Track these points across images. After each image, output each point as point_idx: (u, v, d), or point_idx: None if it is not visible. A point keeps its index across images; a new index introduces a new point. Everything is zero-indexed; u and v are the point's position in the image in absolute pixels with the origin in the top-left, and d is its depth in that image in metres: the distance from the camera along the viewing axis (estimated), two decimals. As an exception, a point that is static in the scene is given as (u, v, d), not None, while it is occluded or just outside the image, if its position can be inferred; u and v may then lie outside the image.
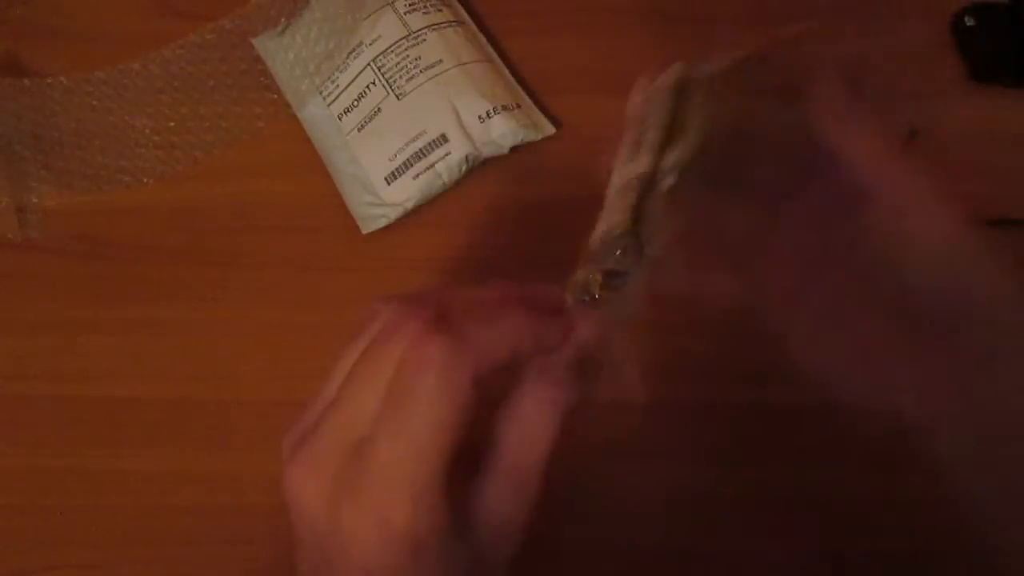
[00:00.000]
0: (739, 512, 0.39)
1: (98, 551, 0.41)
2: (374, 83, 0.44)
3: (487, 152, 0.44)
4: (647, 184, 0.28)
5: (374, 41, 0.45)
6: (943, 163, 0.45)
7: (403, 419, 0.22)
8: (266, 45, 0.48)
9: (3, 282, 0.46)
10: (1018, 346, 0.27)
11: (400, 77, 0.44)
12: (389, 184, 0.44)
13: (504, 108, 0.44)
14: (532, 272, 0.44)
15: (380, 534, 0.22)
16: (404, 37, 0.45)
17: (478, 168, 0.45)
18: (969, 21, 0.46)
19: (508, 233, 0.45)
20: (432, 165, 0.43)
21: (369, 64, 0.45)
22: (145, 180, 0.47)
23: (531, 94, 0.47)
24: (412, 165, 0.44)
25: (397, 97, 0.44)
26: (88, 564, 0.41)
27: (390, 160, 0.44)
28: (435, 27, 0.45)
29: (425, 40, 0.45)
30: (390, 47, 0.45)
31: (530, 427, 0.25)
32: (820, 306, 0.31)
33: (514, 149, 0.45)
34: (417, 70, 0.44)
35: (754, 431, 0.40)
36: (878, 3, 0.48)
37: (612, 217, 0.28)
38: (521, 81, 0.47)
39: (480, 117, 0.43)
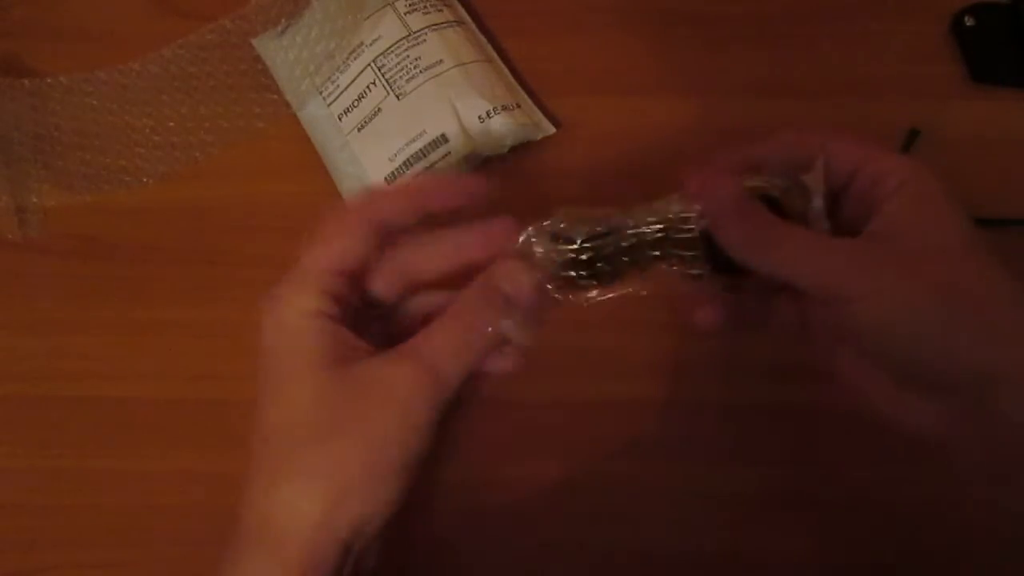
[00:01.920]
0: (741, 512, 0.39)
1: (98, 551, 0.41)
2: (374, 83, 0.44)
3: (487, 152, 0.44)
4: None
5: (374, 41, 0.45)
6: (943, 163, 0.45)
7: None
8: (266, 45, 0.48)
9: (3, 282, 0.46)
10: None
11: (400, 77, 0.44)
12: (389, 184, 0.44)
13: (504, 108, 0.44)
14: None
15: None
16: (404, 37, 0.45)
17: (478, 168, 0.45)
18: (969, 21, 0.46)
19: None
20: (432, 165, 0.44)
21: (369, 64, 0.45)
22: (145, 180, 0.47)
23: (531, 94, 0.47)
24: (412, 165, 0.44)
25: (397, 97, 0.44)
26: (88, 564, 0.41)
27: (390, 160, 0.44)
28: (435, 27, 0.45)
29: (425, 40, 0.45)
30: (390, 47, 0.44)
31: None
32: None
33: (514, 149, 0.45)
34: (417, 70, 0.44)
35: (755, 431, 0.40)
36: (878, 3, 0.48)
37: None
38: (521, 81, 0.47)
39: (480, 117, 0.43)
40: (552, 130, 0.46)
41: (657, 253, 0.31)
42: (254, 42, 0.48)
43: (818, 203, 0.30)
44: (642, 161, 0.45)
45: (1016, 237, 0.42)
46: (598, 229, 0.31)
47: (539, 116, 0.46)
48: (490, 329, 0.30)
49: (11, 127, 0.48)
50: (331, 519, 0.28)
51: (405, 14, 0.45)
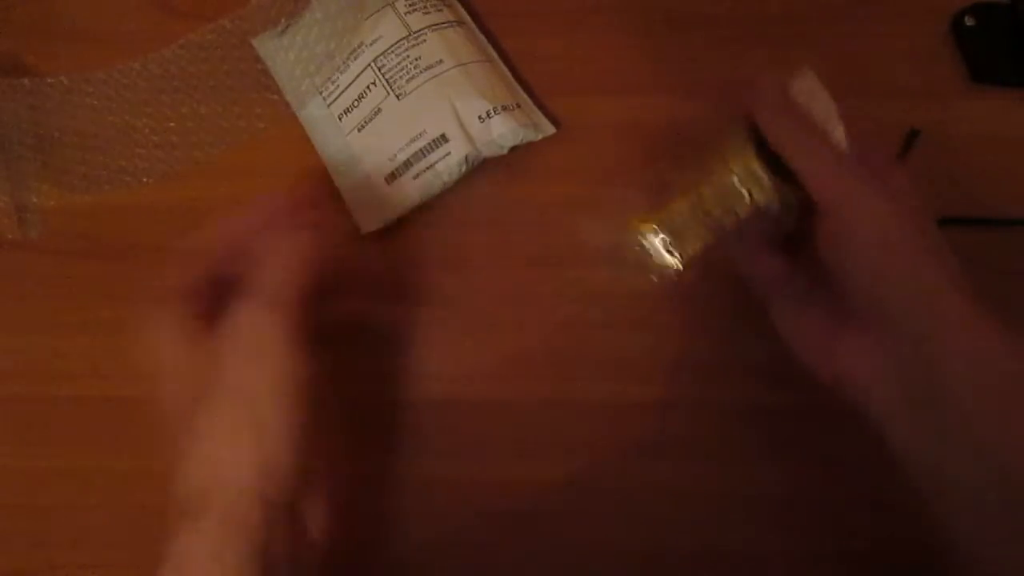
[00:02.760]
0: (741, 512, 0.39)
1: (98, 551, 0.41)
2: (374, 83, 0.44)
3: (487, 152, 0.44)
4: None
5: (375, 41, 0.45)
6: (943, 163, 0.45)
7: None
8: (266, 45, 0.48)
9: (2, 282, 0.46)
10: (956, 342, 0.30)
11: (400, 77, 0.44)
12: (389, 184, 0.44)
13: (504, 108, 0.44)
14: (532, 271, 0.44)
15: None
16: (404, 37, 0.45)
17: (478, 168, 0.45)
18: (969, 21, 0.46)
19: (508, 232, 0.45)
20: (432, 165, 0.43)
21: (370, 64, 0.45)
22: (145, 180, 0.47)
23: (531, 94, 0.47)
24: (412, 165, 0.44)
25: (397, 97, 0.44)
26: (88, 564, 0.41)
27: (390, 160, 0.44)
28: (435, 27, 0.45)
29: (425, 40, 0.45)
30: (390, 47, 0.44)
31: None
32: (796, 293, 0.36)
33: (514, 149, 0.45)
34: (417, 70, 0.44)
35: (755, 431, 0.40)
36: (878, 3, 0.48)
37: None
38: (521, 81, 0.47)
39: (480, 117, 0.43)
40: (552, 130, 0.46)
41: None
42: (254, 42, 0.48)
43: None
44: (642, 160, 0.45)
45: (1016, 237, 0.43)
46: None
47: (539, 116, 0.46)
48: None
49: (11, 127, 0.48)
50: (234, 473, 0.29)
51: (405, 14, 0.45)
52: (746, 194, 0.34)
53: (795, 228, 0.35)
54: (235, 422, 0.30)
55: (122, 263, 0.46)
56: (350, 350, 0.43)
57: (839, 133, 0.34)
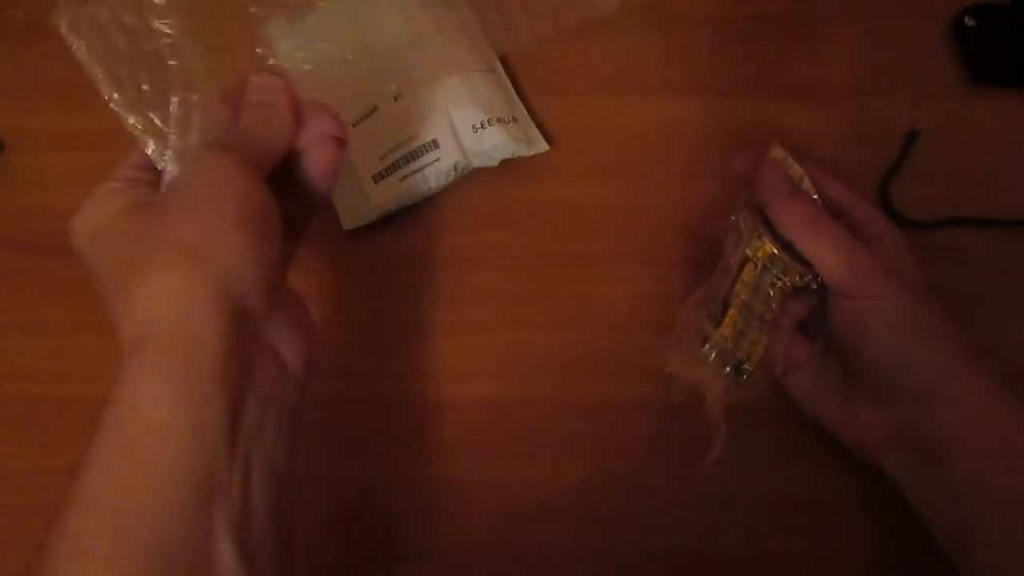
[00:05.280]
0: (741, 512, 0.39)
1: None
2: None
3: (477, 163, 0.44)
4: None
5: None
6: (943, 163, 0.45)
7: None
8: (275, 30, 0.48)
9: (3, 282, 0.46)
10: (965, 413, 0.33)
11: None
12: (376, 183, 0.44)
13: (499, 120, 0.44)
14: (530, 272, 0.44)
15: None
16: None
17: (468, 175, 0.45)
18: (969, 21, 0.46)
19: (491, 239, 0.45)
20: (420, 169, 0.43)
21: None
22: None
23: (529, 108, 0.47)
24: (400, 167, 0.43)
25: (395, 98, 0.44)
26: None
27: (380, 160, 0.44)
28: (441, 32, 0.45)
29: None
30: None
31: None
32: (811, 364, 0.38)
33: (505, 162, 0.44)
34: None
35: (755, 431, 0.40)
36: (878, 3, 0.48)
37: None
38: (521, 93, 0.47)
39: (474, 127, 0.43)
40: (545, 147, 0.45)
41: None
42: (271, 24, 0.48)
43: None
44: (647, 161, 0.45)
45: (1016, 237, 0.43)
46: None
47: (534, 132, 0.46)
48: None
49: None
50: (195, 292, 0.25)
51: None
52: (776, 280, 0.37)
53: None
54: (183, 240, 0.26)
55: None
56: (348, 350, 0.43)
57: (809, 188, 0.38)
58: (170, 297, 0.26)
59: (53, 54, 0.49)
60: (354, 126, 0.45)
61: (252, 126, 0.31)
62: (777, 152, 0.38)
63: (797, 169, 0.38)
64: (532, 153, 0.45)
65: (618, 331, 0.42)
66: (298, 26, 0.47)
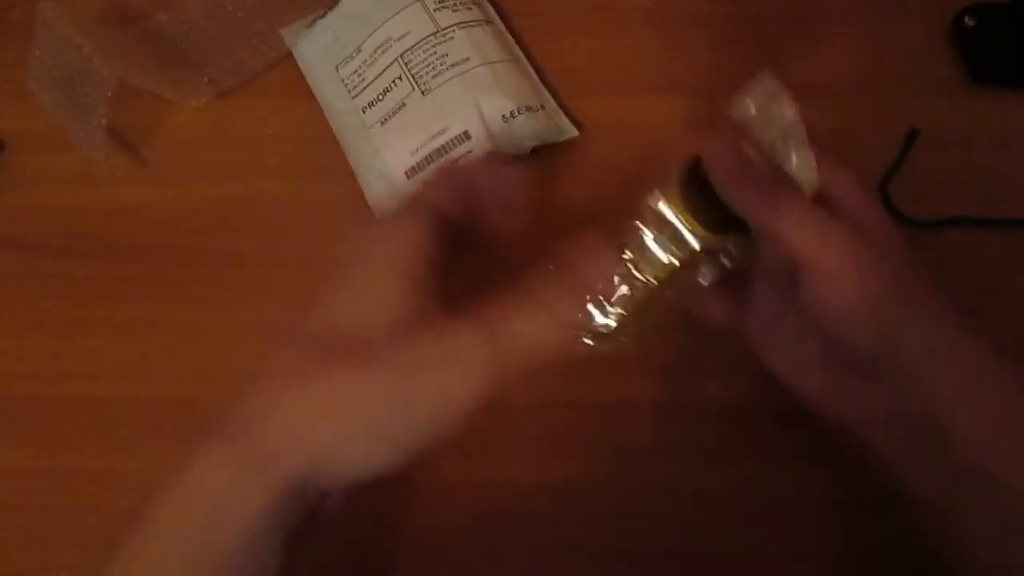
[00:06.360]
0: (741, 512, 0.39)
1: (97, 551, 0.41)
2: (400, 78, 0.44)
3: (508, 151, 0.44)
4: None
5: (403, 36, 0.45)
6: (943, 163, 0.45)
7: None
8: (295, 36, 0.48)
9: (3, 282, 0.46)
10: (954, 391, 0.30)
11: (426, 73, 0.44)
12: (409, 178, 0.44)
13: (528, 109, 0.44)
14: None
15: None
16: (432, 34, 0.45)
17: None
18: (969, 21, 0.46)
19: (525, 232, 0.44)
20: (454, 162, 0.44)
21: (396, 59, 0.45)
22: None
23: (555, 95, 0.47)
24: (433, 161, 0.44)
25: (422, 93, 0.44)
26: (88, 564, 0.41)
27: (411, 155, 0.44)
28: (463, 25, 0.45)
29: (453, 37, 0.45)
30: (418, 43, 0.45)
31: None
32: (789, 338, 0.35)
33: (535, 150, 0.44)
34: (444, 67, 0.44)
35: (755, 431, 0.40)
36: (878, 3, 0.48)
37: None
38: (546, 82, 0.47)
39: (504, 117, 0.43)
40: (575, 133, 0.46)
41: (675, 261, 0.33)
42: (283, 32, 0.48)
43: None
44: (663, 160, 0.45)
45: (1016, 237, 0.43)
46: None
47: (562, 119, 0.46)
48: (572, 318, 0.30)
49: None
50: (321, 461, 0.26)
51: (434, 11, 0.45)
52: (670, 253, 0.33)
53: (764, 268, 0.35)
54: (374, 420, 0.27)
55: (122, 263, 0.46)
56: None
57: (800, 132, 0.33)
58: (298, 455, 0.26)
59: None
60: (382, 123, 0.45)
61: (534, 332, 0.29)
62: (766, 84, 0.33)
63: (788, 113, 0.33)
64: (562, 139, 0.45)
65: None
66: (317, 31, 0.47)
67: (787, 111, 0.33)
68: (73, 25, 0.45)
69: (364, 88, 0.46)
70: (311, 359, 0.27)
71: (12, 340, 0.45)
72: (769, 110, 0.33)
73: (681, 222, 0.33)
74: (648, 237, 0.33)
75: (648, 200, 0.33)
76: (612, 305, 0.32)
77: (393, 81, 0.45)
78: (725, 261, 0.34)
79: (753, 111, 0.33)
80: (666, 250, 0.33)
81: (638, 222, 0.33)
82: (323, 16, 0.47)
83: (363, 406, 0.26)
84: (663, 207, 0.33)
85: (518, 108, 0.44)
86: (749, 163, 0.32)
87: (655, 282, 0.33)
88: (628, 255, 0.33)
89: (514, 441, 0.41)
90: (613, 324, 0.32)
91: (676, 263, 0.33)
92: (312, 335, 0.28)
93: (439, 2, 0.46)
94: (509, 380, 0.28)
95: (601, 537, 0.40)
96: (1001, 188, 0.44)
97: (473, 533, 0.40)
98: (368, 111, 0.45)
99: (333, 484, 0.27)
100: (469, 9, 0.46)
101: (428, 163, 0.44)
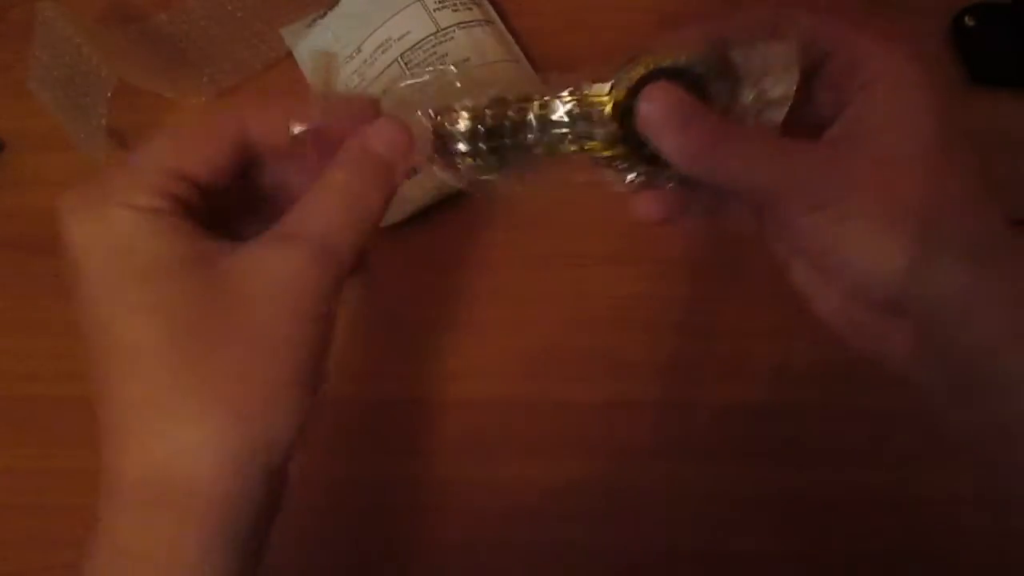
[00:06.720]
0: (741, 512, 0.39)
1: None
2: (400, 78, 0.44)
3: None
4: None
5: (403, 36, 0.45)
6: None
7: None
8: (295, 36, 0.48)
9: (4, 282, 0.46)
10: (1006, 331, 0.24)
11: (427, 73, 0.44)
12: (407, 178, 0.44)
13: None
14: (533, 272, 0.44)
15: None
16: (432, 34, 0.45)
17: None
18: (969, 21, 0.46)
19: (525, 232, 0.45)
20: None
21: (396, 59, 0.45)
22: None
23: None
24: (432, 161, 0.43)
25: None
26: (88, 564, 0.41)
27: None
28: (463, 25, 0.45)
29: (453, 38, 0.45)
30: (418, 43, 0.45)
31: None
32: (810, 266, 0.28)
33: None
34: (444, 67, 0.44)
35: (755, 431, 0.40)
36: (878, 3, 0.48)
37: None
38: None
39: None
40: None
41: (569, 135, 0.27)
42: (283, 32, 0.48)
43: (747, 95, 0.26)
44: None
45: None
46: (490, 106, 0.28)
47: None
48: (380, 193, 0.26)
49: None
50: (238, 453, 0.23)
51: (434, 11, 0.45)
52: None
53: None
54: (249, 392, 0.23)
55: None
56: (348, 350, 0.43)
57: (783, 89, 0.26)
58: (212, 465, 0.23)
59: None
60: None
61: (360, 199, 0.26)
62: (785, 49, 0.26)
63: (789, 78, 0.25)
64: None
65: (619, 331, 0.42)
66: (317, 31, 0.47)
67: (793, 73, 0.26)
68: (73, 25, 0.45)
69: (365, 88, 0.46)
70: (147, 397, 0.24)
71: (12, 340, 0.45)
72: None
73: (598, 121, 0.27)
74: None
75: (585, 87, 0.27)
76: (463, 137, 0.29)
77: (393, 81, 0.45)
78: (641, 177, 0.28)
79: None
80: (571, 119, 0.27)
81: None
82: (323, 16, 0.47)
83: (232, 392, 0.23)
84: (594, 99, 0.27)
85: None
86: (688, 109, 0.26)
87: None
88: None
89: (514, 441, 0.41)
90: (464, 149, 0.29)
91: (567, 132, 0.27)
92: (121, 374, 0.25)
93: (439, 2, 0.46)
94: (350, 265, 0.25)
95: (601, 537, 0.40)
96: (1001, 188, 0.43)
97: (473, 533, 0.40)
98: (368, 111, 0.45)
99: (270, 460, 0.24)
100: (469, 9, 0.46)
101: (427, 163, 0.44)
